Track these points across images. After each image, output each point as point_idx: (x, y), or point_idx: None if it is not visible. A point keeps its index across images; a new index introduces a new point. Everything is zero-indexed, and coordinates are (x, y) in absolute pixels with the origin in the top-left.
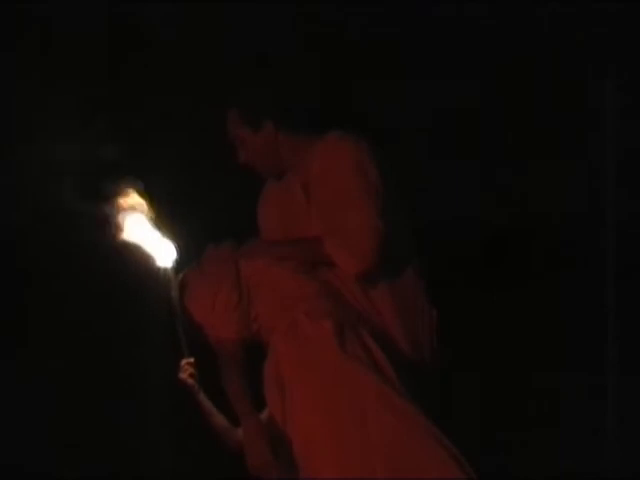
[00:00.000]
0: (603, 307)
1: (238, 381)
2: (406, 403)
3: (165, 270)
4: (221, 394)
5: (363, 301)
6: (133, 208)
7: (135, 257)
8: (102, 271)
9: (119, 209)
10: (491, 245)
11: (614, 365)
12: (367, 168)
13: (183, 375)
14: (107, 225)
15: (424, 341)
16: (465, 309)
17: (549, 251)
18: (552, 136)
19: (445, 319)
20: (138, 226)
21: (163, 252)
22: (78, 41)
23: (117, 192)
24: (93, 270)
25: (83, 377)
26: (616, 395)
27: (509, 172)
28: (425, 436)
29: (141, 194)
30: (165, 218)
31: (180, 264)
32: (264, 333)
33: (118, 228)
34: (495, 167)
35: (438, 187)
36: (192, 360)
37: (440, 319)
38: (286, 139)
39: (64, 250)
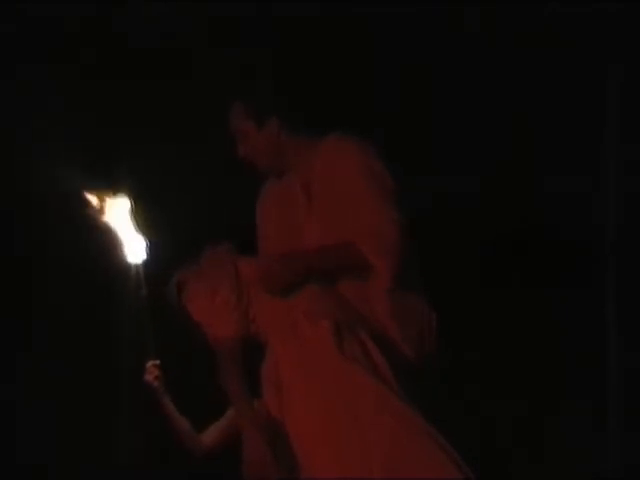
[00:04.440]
0: (603, 307)
1: (236, 380)
2: (404, 404)
3: (136, 267)
4: (188, 398)
5: (361, 304)
6: (114, 203)
7: (107, 253)
8: (72, 267)
9: (101, 205)
10: (491, 246)
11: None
12: (376, 167)
13: (148, 377)
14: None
15: (423, 344)
16: (464, 311)
17: (549, 253)
18: (552, 136)
19: (444, 321)
20: (116, 221)
21: (136, 248)
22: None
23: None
24: (64, 265)
25: (52, 375)
26: (617, 391)
27: (508, 172)
28: (423, 437)
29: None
30: (146, 216)
31: (155, 262)
32: (262, 333)
33: (98, 214)
34: (494, 167)
35: (437, 187)
36: (158, 362)
37: (439, 321)
38: (289, 137)
39: (37, 241)
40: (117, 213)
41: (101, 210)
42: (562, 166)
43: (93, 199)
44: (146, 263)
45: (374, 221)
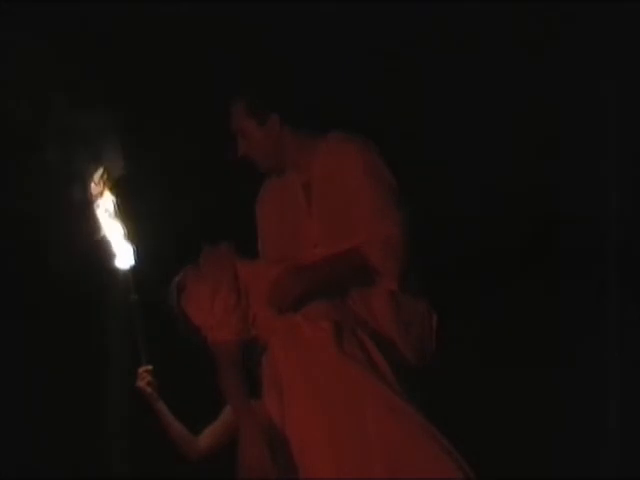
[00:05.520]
0: (604, 307)
1: (236, 382)
2: (404, 403)
3: (126, 272)
4: (182, 402)
5: (361, 305)
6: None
7: (96, 257)
8: (60, 271)
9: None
10: (492, 246)
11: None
12: (379, 167)
13: (141, 383)
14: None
15: (423, 345)
16: (464, 311)
17: (549, 254)
18: (553, 138)
19: (443, 321)
20: (106, 223)
21: (124, 253)
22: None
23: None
24: (51, 269)
25: (39, 380)
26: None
27: (509, 173)
28: (424, 437)
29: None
30: (135, 218)
31: (144, 266)
32: (262, 335)
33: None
34: (494, 168)
35: (435, 188)
36: (150, 367)
37: (439, 323)
38: (290, 136)
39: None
40: (108, 216)
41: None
42: (562, 167)
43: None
44: (138, 268)
45: (379, 223)
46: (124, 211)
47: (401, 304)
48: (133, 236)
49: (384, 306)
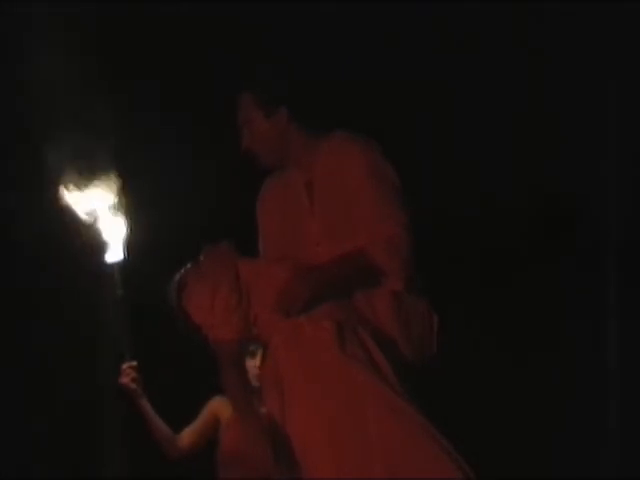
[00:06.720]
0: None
1: (237, 381)
2: (405, 403)
3: (114, 266)
4: (166, 400)
5: (363, 305)
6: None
7: (83, 250)
8: (46, 267)
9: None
10: (492, 246)
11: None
12: (383, 168)
13: (124, 380)
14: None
15: (424, 345)
16: (464, 311)
17: (550, 254)
18: (553, 135)
19: (443, 321)
20: (100, 217)
21: (112, 248)
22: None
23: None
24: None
25: (39, 380)
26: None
27: (509, 173)
28: (423, 436)
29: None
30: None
31: (131, 262)
32: (263, 334)
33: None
34: (495, 168)
35: (436, 188)
36: (134, 364)
37: (440, 324)
38: (295, 132)
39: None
40: (98, 208)
41: (81, 202)
42: (562, 167)
43: (74, 190)
44: (126, 263)
45: (382, 223)
46: (118, 207)
47: (403, 304)
48: (125, 231)
49: (387, 307)
